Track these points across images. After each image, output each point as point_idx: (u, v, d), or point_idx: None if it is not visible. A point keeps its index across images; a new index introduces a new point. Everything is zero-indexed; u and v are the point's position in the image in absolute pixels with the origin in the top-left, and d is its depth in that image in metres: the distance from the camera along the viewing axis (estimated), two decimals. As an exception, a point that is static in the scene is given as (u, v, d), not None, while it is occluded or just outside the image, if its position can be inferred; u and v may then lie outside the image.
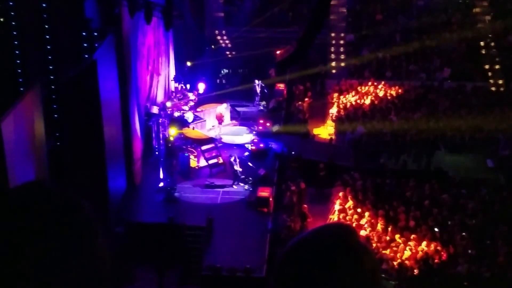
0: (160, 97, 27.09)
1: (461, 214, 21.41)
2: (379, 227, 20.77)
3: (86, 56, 20.45)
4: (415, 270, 18.89)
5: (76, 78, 19.27)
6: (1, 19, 19.76)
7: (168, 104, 26.75)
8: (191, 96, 28.32)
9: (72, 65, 20.17)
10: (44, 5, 19.86)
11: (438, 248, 19.66)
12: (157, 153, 24.98)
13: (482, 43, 33.26)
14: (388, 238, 20.26)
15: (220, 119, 27.88)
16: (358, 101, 30.30)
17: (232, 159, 23.99)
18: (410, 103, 29.80)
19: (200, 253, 20.28)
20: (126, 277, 18.13)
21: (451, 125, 27.50)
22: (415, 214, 21.37)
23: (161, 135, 24.91)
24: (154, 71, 26.25)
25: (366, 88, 31.28)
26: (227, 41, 34.70)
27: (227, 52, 34.36)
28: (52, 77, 20.27)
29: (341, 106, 30.09)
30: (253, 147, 26.16)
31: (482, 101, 29.77)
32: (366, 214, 21.48)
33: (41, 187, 1.58)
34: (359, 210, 21.83)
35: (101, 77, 19.07)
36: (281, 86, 31.62)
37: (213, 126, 28.12)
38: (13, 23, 19.63)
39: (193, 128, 26.52)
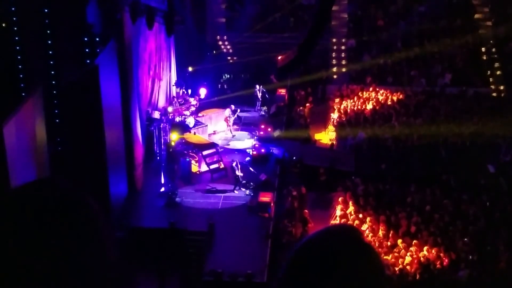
0: (161, 102, 27.12)
1: (462, 220, 21.39)
2: (380, 232, 20.75)
3: (88, 61, 20.51)
4: (416, 276, 18.85)
5: (77, 83, 19.30)
6: (3, 24, 19.84)
7: (170, 109, 26.77)
8: (193, 101, 28.35)
9: (74, 70, 20.21)
10: (46, 10, 19.93)
11: (440, 253, 19.64)
12: (158, 158, 24.99)
13: (483, 49, 33.29)
14: (389, 243, 20.25)
15: (227, 121, 28.11)
16: (359, 106, 30.30)
17: (233, 164, 24.00)
18: (411, 109, 29.79)
19: (201, 258, 20.27)
20: (127, 282, 18.12)
21: (452, 130, 27.50)
22: (417, 220, 21.35)
23: (162, 140, 24.92)
24: (156, 76, 26.28)
25: (367, 93, 31.28)
26: (228, 47, 34.75)
27: (229, 58, 34.40)
28: (53, 82, 20.33)
29: (342, 111, 30.09)
30: (254, 152, 26.16)
31: (483, 106, 29.76)
32: (367, 219, 21.47)
33: (49, 184, 1.60)
34: (360, 215, 21.82)
35: (103, 82, 19.11)
36: (282, 91, 31.65)
37: (214, 131, 28.14)
38: (15, 28, 19.71)
39: (194, 133, 26.53)
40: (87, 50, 20.79)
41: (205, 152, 25.10)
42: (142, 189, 23.68)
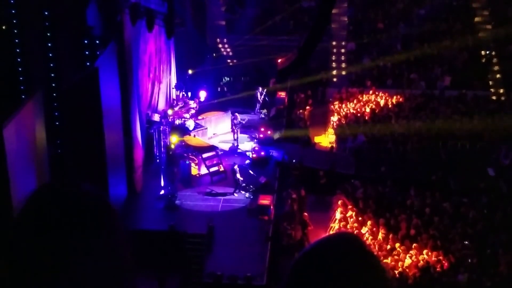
0: (161, 105, 27.12)
1: (462, 223, 21.39)
2: (380, 235, 20.75)
3: (88, 63, 20.52)
4: (416, 279, 18.84)
5: (77, 85, 19.32)
6: (4, 27, 19.84)
7: (170, 111, 26.78)
8: (192, 104, 28.35)
9: (74, 73, 20.23)
10: (46, 12, 19.93)
11: (439, 257, 19.63)
12: (158, 160, 24.99)
13: (483, 52, 33.30)
14: (389, 246, 20.24)
15: (234, 130, 27.83)
16: (359, 109, 30.32)
17: (234, 167, 24.00)
18: (411, 112, 29.80)
19: (200, 261, 20.27)
20: (126, 285, 18.09)
21: (452, 133, 27.51)
22: (416, 223, 21.36)
23: (162, 143, 24.93)
24: (156, 79, 26.30)
25: (367, 96, 31.31)
26: (228, 49, 34.77)
27: (229, 60, 34.42)
28: (54, 84, 20.32)
29: (342, 114, 30.11)
30: (254, 155, 26.16)
31: (483, 109, 29.77)
32: (367, 222, 21.47)
33: (73, 187, 1.64)
34: (360, 218, 21.82)
35: (103, 85, 19.11)
36: (282, 94, 31.66)
37: (214, 134, 28.14)
38: (15, 30, 19.71)
39: (194, 136, 26.52)
40: (87, 52, 20.80)
41: (205, 155, 25.11)
42: (142, 191, 23.67)
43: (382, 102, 30.82)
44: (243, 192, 23.70)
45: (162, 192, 23.39)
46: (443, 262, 19.45)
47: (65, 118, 20.18)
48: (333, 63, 33.93)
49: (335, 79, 33.48)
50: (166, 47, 27.79)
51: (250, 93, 30.64)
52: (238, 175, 23.78)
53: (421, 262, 19.43)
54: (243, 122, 27.75)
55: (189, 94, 29.05)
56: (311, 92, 32.14)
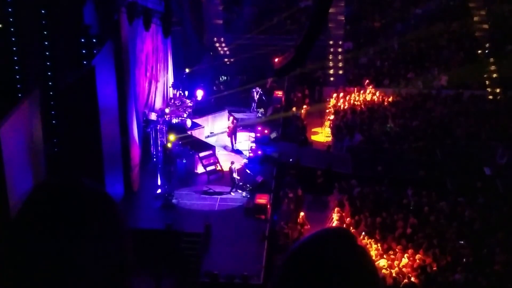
0: (158, 104, 27.09)
1: (458, 222, 21.43)
2: (377, 235, 20.76)
3: (85, 62, 20.49)
4: (412, 278, 18.87)
5: (74, 84, 19.30)
6: (0, 25, 19.80)
7: (167, 110, 26.75)
8: (189, 102, 28.33)
9: (71, 71, 20.20)
10: (43, 11, 19.91)
11: (436, 256, 19.66)
12: (155, 159, 24.97)
13: (479, 52, 33.36)
14: (385, 246, 20.26)
15: (231, 134, 27.66)
16: (356, 108, 30.37)
17: (232, 166, 24.00)
18: (408, 111, 29.85)
19: (197, 260, 20.27)
20: (122, 283, 18.08)
21: (448, 133, 27.57)
22: (413, 222, 21.38)
23: (159, 142, 24.91)
24: (153, 78, 26.27)
25: (363, 95, 31.35)
26: (225, 48, 34.77)
27: (226, 59, 34.42)
28: (50, 83, 20.30)
29: (338, 113, 30.14)
30: (251, 154, 26.16)
31: (479, 109, 29.83)
32: (364, 221, 21.49)
33: (76, 183, 1.64)
34: (356, 217, 21.84)
35: (99, 84, 19.09)
36: (279, 93, 31.67)
37: (211, 132, 28.14)
38: (12, 29, 19.67)
39: (191, 134, 26.48)
40: (84, 51, 20.77)
41: (201, 154, 25.11)
42: (139, 190, 23.66)
43: (377, 100, 30.86)
44: (240, 191, 23.71)
45: (159, 191, 23.38)
46: (440, 261, 19.47)
47: (61, 117, 20.16)
48: (330, 63, 33.95)
49: (332, 78, 33.50)
50: (163, 46, 27.76)
51: (247, 92, 30.64)
52: (235, 174, 23.79)
53: (418, 261, 19.44)
54: (240, 127, 27.58)
55: (186, 93, 29.02)
56: (308, 91, 32.16)
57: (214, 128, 28.48)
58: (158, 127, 25.03)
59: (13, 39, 19.72)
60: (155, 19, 22.93)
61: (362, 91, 31.60)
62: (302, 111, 30.58)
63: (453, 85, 31.64)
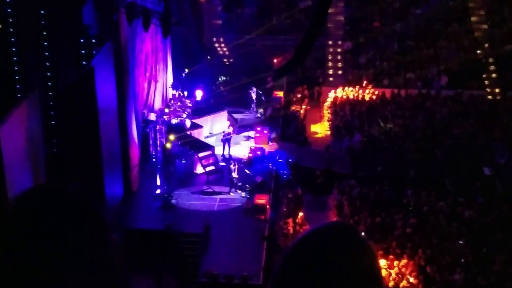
0: (157, 104, 27.09)
1: (458, 222, 21.43)
2: (376, 235, 20.76)
3: (84, 62, 20.49)
4: (411, 279, 18.87)
5: (74, 84, 19.28)
6: (0, 26, 19.79)
7: (166, 110, 26.75)
8: (189, 103, 28.32)
9: (70, 72, 20.20)
10: (42, 11, 19.90)
11: (435, 256, 19.66)
12: (154, 160, 24.97)
13: (479, 52, 33.36)
14: (385, 246, 20.26)
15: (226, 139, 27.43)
16: (354, 103, 30.45)
17: (231, 166, 23.99)
18: (407, 111, 29.85)
19: (196, 260, 20.27)
20: (121, 284, 18.08)
21: (448, 133, 27.58)
22: (412, 222, 21.39)
23: (158, 142, 24.91)
24: (152, 78, 26.26)
25: (362, 93, 31.41)
26: (224, 48, 34.77)
27: (225, 59, 34.42)
28: (50, 83, 20.31)
29: (338, 113, 30.17)
30: (250, 154, 26.16)
31: (479, 109, 29.85)
32: (363, 221, 21.49)
33: (58, 189, 1.62)
34: (356, 217, 21.84)
35: (99, 84, 19.08)
36: (278, 93, 31.69)
37: (210, 133, 28.12)
38: (11, 29, 19.67)
39: (190, 134, 26.46)
40: (83, 51, 20.77)
41: (201, 154, 25.10)
42: (138, 190, 23.66)
43: (378, 101, 30.88)
44: (239, 192, 23.70)
45: (158, 191, 23.38)
46: (439, 261, 19.47)
47: (61, 117, 20.16)
48: (330, 63, 33.95)
49: (331, 79, 33.51)
50: (163, 46, 27.76)
51: (246, 92, 30.66)
52: (233, 174, 23.78)
53: (417, 261, 19.45)
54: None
55: (186, 93, 29.02)
56: (307, 91, 32.18)
57: (214, 128, 28.46)
58: (157, 128, 25.03)
59: (13, 39, 19.72)
60: (155, 20, 22.91)
61: (361, 91, 31.64)
62: (302, 111, 30.60)
63: (452, 85, 31.64)
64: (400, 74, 32.57)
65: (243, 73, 33.17)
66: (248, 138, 28.02)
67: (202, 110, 28.90)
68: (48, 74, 20.23)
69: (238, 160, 25.24)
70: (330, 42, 34.26)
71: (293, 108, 31.01)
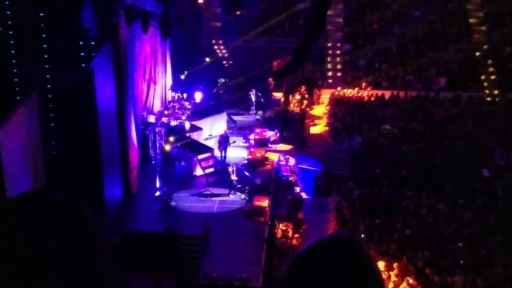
0: (157, 106, 27.11)
1: (457, 224, 21.43)
2: (375, 237, 20.77)
3: (83, 65, 20.49)
4: (411, 280, 18.86)
5: (73, 87, 19.28)
6: (-1, 28, 19.79)
7: (165, 113, 26.76)
8: (188, 105, 28.34)
9: (70, 74, 20.19)
10: (41, 14, 19.90)
11: (434, 258, 19.66)
12: (153, 162, 24.97)
13: (478, 54, 33.39)
14: (384, 247, 20.26)
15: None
16: (355, 110, 30.44)
17: (230, 169, 23.98)
18: (406, 113, 29.87)
19: (196, 262, 20.26)
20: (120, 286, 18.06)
21: (447, 134, 27.59)
22: (412, 224, 21.39)
23: (157, 144, 24.91)
24: (151, 80, 26.28)
25: (361, 95, 31.46)
26: (224, 51, 34.79)
27: (224, 62, 34.44)
28: (49, 86, 20.29)
29: (336, 115, 30.20)
30: (250, 156, 26.16)
31: (478, 111, 29.86)
32: (362, 223, 21.49)
33: (45, 195, 1.61)
34: (355, 219, 21.84)
35: (98, 86, 19.09)
36: (278, 95, 31.72)
37: (209, 135, 28.12)
38: (11, 32, 19.66)
39: (190, 136, 26.45)
40: (82, 54, 20.77)
41: (200, 156, 25.10)
42: (137, 193, 23.65)
43: (376, 103, 30.91)
44: (238, 194, 23.69)
45: (157, 193, 23.37)
46: (438, 263, 19.46)
47: (60, 120, 20.14)
48: (329, 65, 33.97)
49: (330, 80, 33.53)
50: (162, 48, 27.78)
51: (245, 94, 30.69)
52: (232, 176, 23.77)
53: (416, 263, 19.44)
54: (233, 120, 27.18)
55: (185, 95, 29.04)
56: (306, 93, 32.20)
57: (213, 130, 28.46)
58: (156, 130, 25.04)
59: (12, 42, 19.71)
60: (154, 22, 22.95)
61: (360, 93, 31.69)
62: (301, 113, 30.62)
63: (451, 87, 31.67)
64: (399, 76, 32.59)
65: (242, 75, 33.20)
66: (247, 140, 28.00)
67: (201, 112, 28.89)
68: (48, 76, 20.22)
69: (237, 163, 25.26)
70: (329, 44, 34.29)
71: (292, 110, 31.04)
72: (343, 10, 35.51)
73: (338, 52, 34.25)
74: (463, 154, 26.27)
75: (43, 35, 20.03)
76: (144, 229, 21.55)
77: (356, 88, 31.89)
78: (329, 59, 34.04)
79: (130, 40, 22.79)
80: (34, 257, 1.49)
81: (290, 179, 24.88)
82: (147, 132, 24.99)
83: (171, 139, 24.91)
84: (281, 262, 20.04)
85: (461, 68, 32.76)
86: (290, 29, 34.91)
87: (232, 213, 22.83)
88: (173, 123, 26.67)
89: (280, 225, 21.74)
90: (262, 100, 30.85)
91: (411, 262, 19.48)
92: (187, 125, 26.87)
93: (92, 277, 1.55)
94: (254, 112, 30.62)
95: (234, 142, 27.01)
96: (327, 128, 29.40)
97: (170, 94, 28.87)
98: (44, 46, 20.11)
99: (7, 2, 19.52)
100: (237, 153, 26.96)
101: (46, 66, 20.21)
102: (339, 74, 33.68)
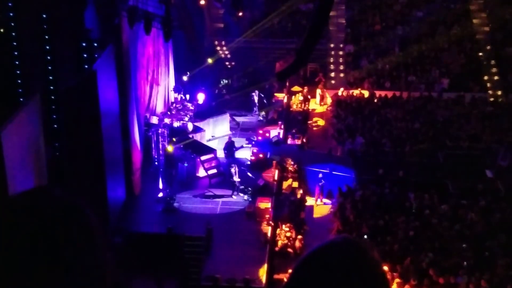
0: (159, 108, 27.12)
1: (460, 225, 21.40)
2: (378, 238, 20.74)
3: (86, 66, 20.52)
4: (414, 281, 18.84)
5: (76, 88, 19.31)
6: (2, 30, 19.84)
7: (168, 114, 26.77)
8: (191, 106, 28.34)
9: (72, 75, 20.23)
10: (44, 15, 19.94)
11: (438, 259, 19.63)
12: (156, 163, 24.97)
13: (480, 54, 33.35)
14: (387, 249, 20.23)
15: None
16: (357, 111, 30.41)
17: (232, 170, 23.97)
18: (409, 114, 29.83)
19: (199, 263, 20.26)
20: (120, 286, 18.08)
21: (450, 135, 27.55)
22: (415, 225, 21.36)
23: (160, 145, 24.91)
24: (154, 82, 26.29)
25: (364, 96, 31.43)
26: (226, 52, 34.79)
27: (227, 63, 34.44)
28: (52, 87, 20.34)
29: (339, 115, 30.16)
30: (253, 157, 26.14)
31: (481, 112, 29.82)
32: (365, 224, 21.47)
33: (45, 193, 1.61)
34: (358, 220, 21.82)
35: (101, 88, 19.10)
36: (280, 96, 31.72)
37: (212, 136, 28.11)
38: (14, 33, 19.72)
39: (192, 137, 26.44)
40: (85, 55, 20.81)
41: (203, 157, 25.09)
42: (140, 194, 23.66)
43: (379, 104, 30.88)
44: (241, 195, 23.68)
45: (160, 194, 23.38)
46: (441, 264, 19.44)
47: (63, 121, 20.18)
48: (331, 66, 33.96)
49: (333, 81, 33.51)
50: (164, 49, 27.79)
51: (248, 95, 30.69)
52: (235, 177, 23.75)
53: (419, 264, 19.41)
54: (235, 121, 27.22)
55: (187, 96, 29.04)
56: (309, 94, 32.17)
57: (216, 131, 28.46)
58: (159, 131, 25.05)
59: (15, 43, 19.78)
60: (156, 23, 22.94)
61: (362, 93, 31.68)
62: (303, 113, 30.61)
63: (454, 88, 31.63)
64: (402, 77, 32.56)
65: (245, 76, 33.20)
66: (250, 141, 27.97)
67: (204, 113, 28.88)
68: (50, 77, 20.26)
69: (241, 163, 25.26)
70: (332, 45, 34.28)
71: (294, 110, 31.02)
72: (346, 11, 35.49)
73: (340, 53, 34.24)
74: (466, 155, 26.22)
75: (46, 37, 20.08)
76: (147, 230, 21.57)
77: (359, 89, 31.87)
78: (331, 59, 34.02)
79: (133, 42, 22.79)
80: (33, 255, 1.49)
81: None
82: (150, 133, 24.99)
83: (174, 140, 24.91)
84: (283, 263, 20.02)
85: (464, 68, 32.71)
86: (293, 30, 34.91)
87: (235, 214, 22.83)
88: (176, 124, 26.67)
89: (283, 226, 21.72)
90: (264, 101, 30.84)
91: (415, 263, 19.45)
92: (190, 126, 26.87)
93: (91, 275, 1.55)
94: (257, 113, 30.61)
95: (242, 146, 27.04)
96: (324, 123, 29.32)
97: (172, 95, 28.87)
98: (47, 47, 20.16)
99: (10, 4, 19.57)
100: (240, 154, 26.96)
101: (49, 67, 20.27)
102: (341, 75, 33.65)
